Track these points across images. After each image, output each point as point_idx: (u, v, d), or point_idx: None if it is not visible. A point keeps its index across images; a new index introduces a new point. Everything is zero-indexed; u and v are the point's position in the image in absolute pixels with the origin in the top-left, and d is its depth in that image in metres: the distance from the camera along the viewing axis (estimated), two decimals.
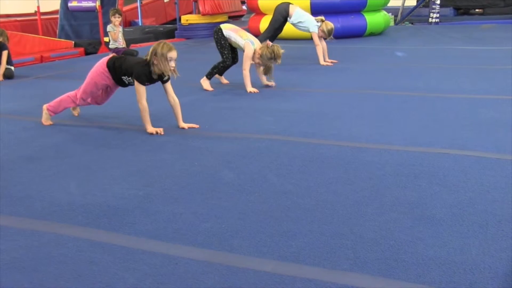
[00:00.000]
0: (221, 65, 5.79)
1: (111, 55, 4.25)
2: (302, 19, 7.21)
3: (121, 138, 3.97)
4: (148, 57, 3.92)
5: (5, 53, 6.91)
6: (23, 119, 4.65)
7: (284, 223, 2.46)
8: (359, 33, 10.59)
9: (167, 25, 13.66)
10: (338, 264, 2.09)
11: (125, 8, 12.89)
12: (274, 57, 5.35)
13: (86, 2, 10.70)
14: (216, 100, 5.24)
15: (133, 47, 9.83)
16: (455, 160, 3.25)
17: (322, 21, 7.04)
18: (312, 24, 7.08)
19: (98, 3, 10.37)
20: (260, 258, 2.15)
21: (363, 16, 10.56)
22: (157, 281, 2.00)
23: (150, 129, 4.00)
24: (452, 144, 3.56)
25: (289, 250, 2.21)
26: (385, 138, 3.74)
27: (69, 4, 10.99)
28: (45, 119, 4.40)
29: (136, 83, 3.99)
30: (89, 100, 4.36)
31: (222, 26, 5.81)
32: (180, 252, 2.21)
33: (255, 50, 5.46)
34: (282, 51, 5.37)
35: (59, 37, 11.41)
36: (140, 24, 13.41)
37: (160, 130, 3.99)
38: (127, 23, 13.59)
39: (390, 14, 13.01)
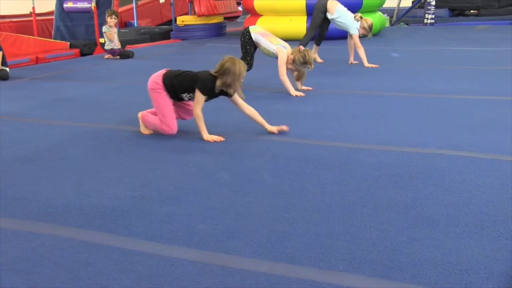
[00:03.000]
0: None
1: (164, 70, 4.00)
2: (342, 15, 6.93)
3: (116, 139, 3.96)
4: (217, 72, 3.77)
5: None
6: (18, 120, 4.64)
7: (280, 224, 2.46)
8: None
9: (163, 26, 13.65)
10: (334, 265, 2.09)
11: (120, 9, 12.87)
12: (306, 61, 5.19)
13: (82, 3, 10.68)
14: (211, 101, 5.23)
15: (128, 48, 9.81)
16: (450, 160, 3.26)
17: (361, 17, 6.82)
18: (353, 26, 6.84)
19: (93, 4, 10.35)
20: (256, 259, 2.15)
21: None
22: (152, 282, 2.00)
23: (206, 136, 3.82)
24: (447, 144, 3.57)
25: (284, 251, 2.21)
26: (380, 139, 3.75)
27: (65, 5, 10.96)
28: (143, 129, 4.10)
29: (197, 91, 3.81)
30: (173, 123, 3.97)
31: (251, 28, 5.62)
32: (175, 253, 2.21)
33: (287, 56, 5.30)
34: (314, 56, 5.21)
35: (55, 38, 11.40)
36: (135, 25, 13.39)
37: (219, 138, 3.80)
38: (123, 24, 13.58)
39: (385, 15, 13.03)
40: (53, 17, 11.92)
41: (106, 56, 8.87)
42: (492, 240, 2.24)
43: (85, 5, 10.62)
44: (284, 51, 5.33)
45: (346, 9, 7.07)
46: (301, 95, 5.29)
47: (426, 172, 3.07)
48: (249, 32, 5.57)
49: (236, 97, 3.93)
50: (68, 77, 7.15)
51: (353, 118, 4.36)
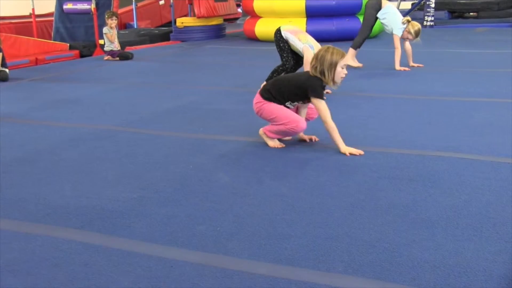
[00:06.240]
0: (280, 68, 5.42)
1: (258, 91, 3.73)
2: (388, 16, 6.74)
3: (116, 140, 3.96)
4: (316, 68, 3.44)
5: None
6: (18, 121, 4.64)
7: (279, 226, 2.46)
8: (354, 36, 10.55)
9: (162, 28, 13.65)
10: (333, 267, 2.09)
11: (120, 11, 12.87)
12: None
13: (81, 4, 10.68)
14: (213, 103, 5.24)
15: (128, 49, 9.82)
16: (450, 163, 3.26)
17: (408, 21, 6.66)
18: (397, 26, 6.67)
19: (93, 6, 10.36)
20: (255, 260, 2.15)
21: (358, 19, 10.57)
22: (152, 283, 2.00)
23: (344, 148, 3.45)
24: (447, 147, 3.57)
25: (284, 253, 2.21)
26: (380, 141, 3.75)
27: (64, 7, 10.96)
28: (273, 143, 3.71)
29: (315, 100, 3.46)
30: (297, 117, 3.62)
31: (282, 26, 5.46)
32: (175, 255, 2.21)
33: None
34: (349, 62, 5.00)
35: (54, 40, 11.39)
36: (135, 27, 13.40)
37: (358, 151, 3.44)
38: (122, 26, 13.58)
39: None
40: (52, 18, 11.91)
41: (106, 58, 8.87)
42: (491, 243, 2.24)
43: (84, 6, 10.62)
44: (310, 51, 5.12)
45: (396, 11, 6.86)
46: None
47: (425, 175, 3.07)
48: (279, 30, 5.41)
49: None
50: (67, 79, 7.15)
51: (352, 120, 4.36)
